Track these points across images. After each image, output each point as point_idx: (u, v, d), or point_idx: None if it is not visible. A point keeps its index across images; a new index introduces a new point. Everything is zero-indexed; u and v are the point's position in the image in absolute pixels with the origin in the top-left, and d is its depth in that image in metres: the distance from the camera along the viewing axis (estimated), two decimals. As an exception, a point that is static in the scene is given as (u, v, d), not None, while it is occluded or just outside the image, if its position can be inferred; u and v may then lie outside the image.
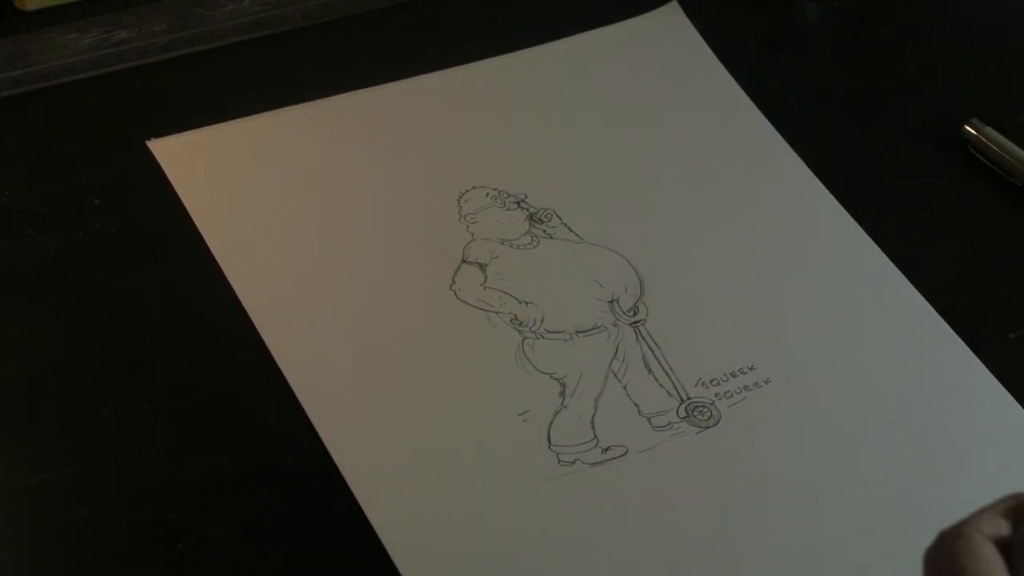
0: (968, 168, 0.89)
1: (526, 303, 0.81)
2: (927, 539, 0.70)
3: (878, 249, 0.84)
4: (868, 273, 0.84)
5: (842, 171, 0.88)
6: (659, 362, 0.79)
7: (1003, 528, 0.58)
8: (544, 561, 0.70)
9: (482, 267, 0.83)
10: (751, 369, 0.79)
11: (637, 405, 0.77)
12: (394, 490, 0.72)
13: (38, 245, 0.82)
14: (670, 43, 0.95)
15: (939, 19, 0.99)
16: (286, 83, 0.92)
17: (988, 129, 0.89)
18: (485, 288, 0.82)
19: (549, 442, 0.75)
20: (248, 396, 0.77)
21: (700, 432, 0.76)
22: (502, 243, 0.84)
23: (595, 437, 0.75)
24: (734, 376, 0.78)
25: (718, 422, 0.76)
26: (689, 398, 0.77)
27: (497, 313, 0.81)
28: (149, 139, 0.88)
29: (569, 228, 0.85)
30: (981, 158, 0.89)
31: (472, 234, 0.85)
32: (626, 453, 0.75)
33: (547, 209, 0.86)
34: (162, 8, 0.96)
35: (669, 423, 0.76)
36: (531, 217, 0.86)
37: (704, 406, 0.77)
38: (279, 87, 0.92)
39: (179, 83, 0.92)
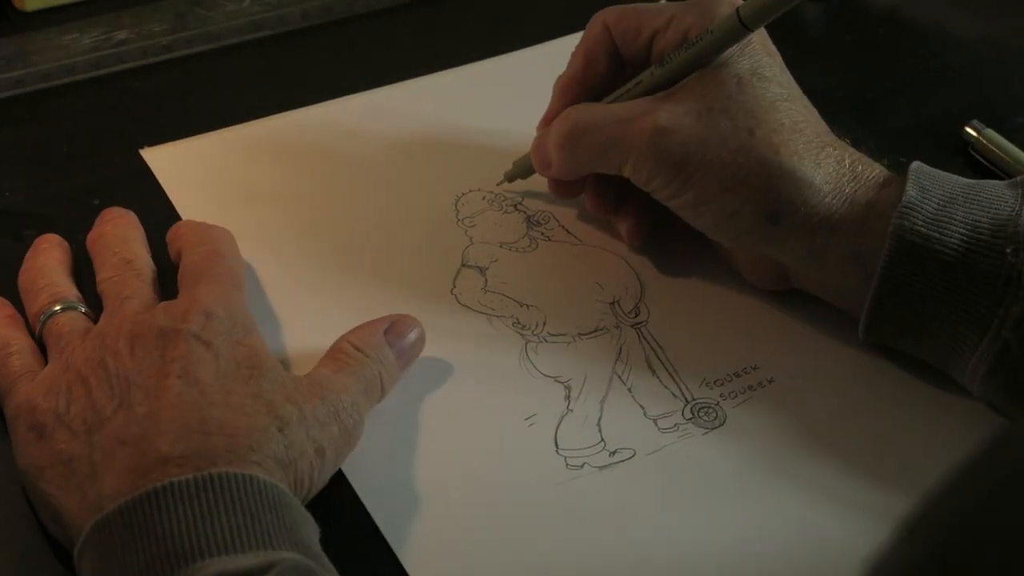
0: (969, 170, 0.89)
1: (527, 306, 0.81)
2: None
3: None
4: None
5: (843, 172, 0.88)
6: (663, 363, 0.79)
7: None
8: (555, 565, 0.70)
9: (482, 271, 0.83)
10: (754, 369, 0.78)
11: (643, 407, 0.77)
12: (402, 496, 0.72)
13: (39, 246, 0.81)
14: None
15: (939, 19, 0.99)
16: (286, 84, 0.92)
17: (988, 131, 0.89)
18: (486, 292, 0.82)
19: (556, 446, 0.75)
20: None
21: (706, 433, 0.76)
22: (501, 246, 0.84)
23: (602, 440, 0.75)
24: (737, 376, 0.78)
25: (724, 422, 0.76)
26: (694, 399, 0.77)
27: (499, 317, 0.80)
28: (144, 146, 0.87)
29: (567, 230, 0.85)
30: (982, 160, 0.89)
31: (471, 238, 0.84)
32: (634, 455, 0.74)
33: (544, 211, 0.86)
34: (162, 9, 0.96)
35: (675, 424, 0.76)
36: (529, 220, 0.86)
37: (709, 407, 0.77)
38: (279, 88, 0.92)
39: (179, 84, 0.92)
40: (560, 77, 0.82)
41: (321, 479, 0.69)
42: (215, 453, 0.65)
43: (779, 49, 0.79)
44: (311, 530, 0.65)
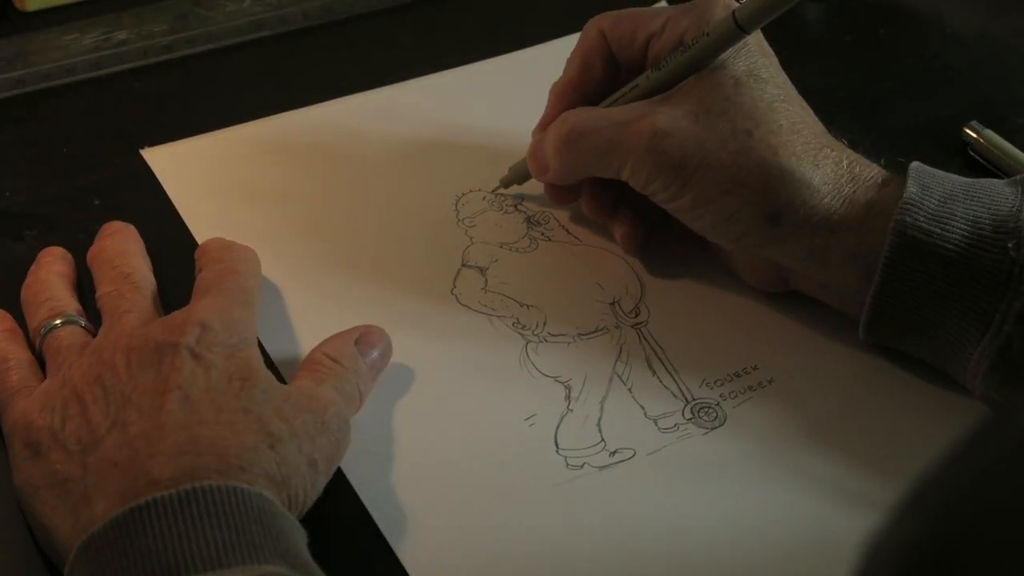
0: (968, 171, 0.88)
1: (528, 306, 0.81)
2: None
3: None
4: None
5: (843, 172, 0.88)
6: (663, 363, 0.79)
7: None
8: (555, 565, 0.70)
9: (482, 271, 0.83)
10: (754, 369, 0.79)
11: (643, 407, 0.77)
12: (402, 496, 0.72)
13: (39, 246, 0.81)
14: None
15: (939, 20, 0.99)
16: (286, 84, 0.92)
17: (988, 132, 0.89)
18: (486, 292, 0.82)
19: (557, 446, 0.75)
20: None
21: (707, 433, 0.76)
22: (501, 246, 0.84)
23: (602, 440, 0.75)
24: (738, 376, 0.78)
25: (723, 423, 0.76)
26: (694, 399, 0.77)
27: (499, 317, 0.80)
28: (144, 146, 0.87)
29: (567, 230, 0.85)
30: (981, 160, 0.89)
31: (471, 238, 0.84)
32: (634, 455, 0.74)
33: (544, 211, 0.86)
34: (162, 9, 0.96)
35: (675, 424, 0.76)
36: (529, 220, 0.86)
37: (709, 407, 0.77)
38: (280, 88, 0.92)
39: (180, 84, 0.92)
40: (556, 83, 0.82)
41: (315, 491, 0.69)
42: (205, 474, 0.65)
43: (778, 49, 0.80)
44: (299, 537, 0.65)
